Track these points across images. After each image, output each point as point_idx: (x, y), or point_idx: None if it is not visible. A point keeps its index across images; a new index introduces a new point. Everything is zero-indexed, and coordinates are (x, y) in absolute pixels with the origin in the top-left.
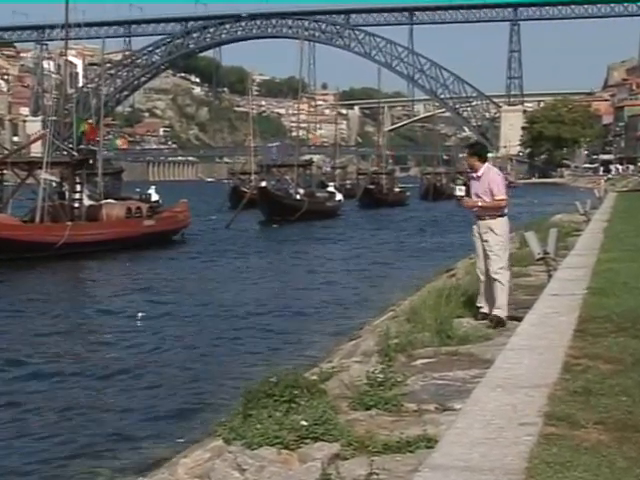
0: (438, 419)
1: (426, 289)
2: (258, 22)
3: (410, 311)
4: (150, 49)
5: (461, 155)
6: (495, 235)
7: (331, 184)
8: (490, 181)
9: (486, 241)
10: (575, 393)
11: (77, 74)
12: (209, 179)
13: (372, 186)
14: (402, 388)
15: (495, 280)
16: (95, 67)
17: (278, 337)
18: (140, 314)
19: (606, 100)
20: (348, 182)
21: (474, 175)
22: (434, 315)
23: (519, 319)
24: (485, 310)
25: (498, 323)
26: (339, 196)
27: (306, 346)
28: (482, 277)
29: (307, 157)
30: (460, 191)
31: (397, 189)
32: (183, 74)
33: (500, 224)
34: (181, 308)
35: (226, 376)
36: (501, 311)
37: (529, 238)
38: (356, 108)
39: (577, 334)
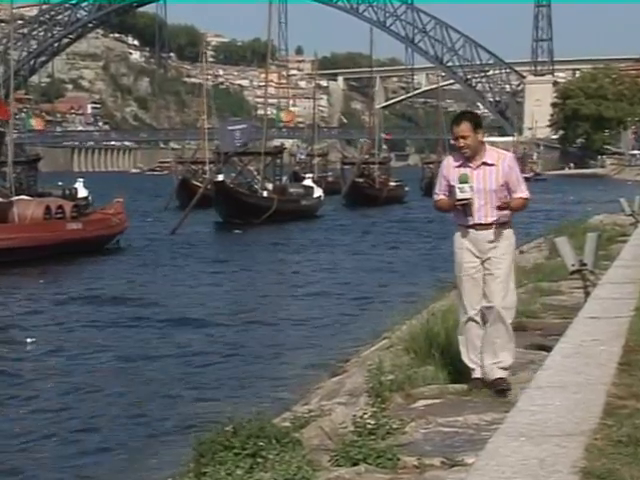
0: (444, 477)
1: (429, 310)
2: None
3: (409, 339)
4: (74, 2)
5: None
6: (505, 252)
7: (308, 176)
8: (507, 172)
9: (488, 260)
10: (620, 443)
11: None
12: (134, 170)
13: (361, 179)
14: (399, 437)
15: (500, 319)
16: (2, 25)
17: (240, 372)
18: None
19: None
20: (330, 174)
21: (469, 163)
22: (439, 344)
23: (548, 349)
24: (478, 373)
25: (503, 391)
26: (318, 192)
27: (275, 383)
28: (472, 316)
29: (277, 142)
30: (463, 192)
31: (393, 182)
32: (117, 35)
33: (511, 236)
34: (109, 335)
35: (173, 421)
36: (506, 372)
37: (561, 245)
38: (340, 79)
39: (622, 368)
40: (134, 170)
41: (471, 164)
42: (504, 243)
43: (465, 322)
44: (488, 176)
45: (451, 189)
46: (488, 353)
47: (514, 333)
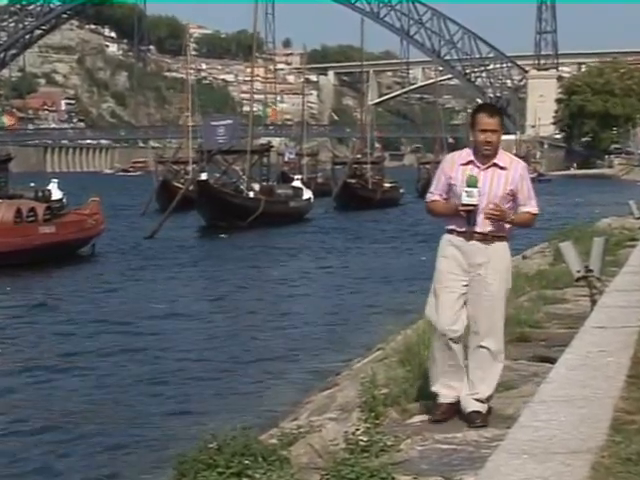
0: None
1: (425, 320)
2: None
3: (404, 350)
4: None
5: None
6: (497, 270)
7: (297, 177)
8: (518, 181)
9: (477, 277)
10: (629, 461)
11: None
12: (107, 170)
13: (353, 180)
14: (394, 455)
15: (483, 347)
16: None
17: (224, 385)
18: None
19: None
20: (320, 174)
21: (478, 163)
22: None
23: (552, 360)
24: (449, 399)
25: (479, 426)
26: (308, 193)
27: (262, 397)
28: (451, 338)
29: (264, 140)
30: (471, 197)
31: (387, 184)
32: (93, 26)
33: (507, 252)
34: (81, 347)
35: (152, 438)
36: (483, 405)
37: (566, 250)
38: (331, 74)
39: (631, 380)
40: (108, 170)
41: (480, 164)
42: (498, 260)
43: (437, 344)
44: (497, 180)
45: (450, 190)
46: (465, 383)
47: (502, 365)
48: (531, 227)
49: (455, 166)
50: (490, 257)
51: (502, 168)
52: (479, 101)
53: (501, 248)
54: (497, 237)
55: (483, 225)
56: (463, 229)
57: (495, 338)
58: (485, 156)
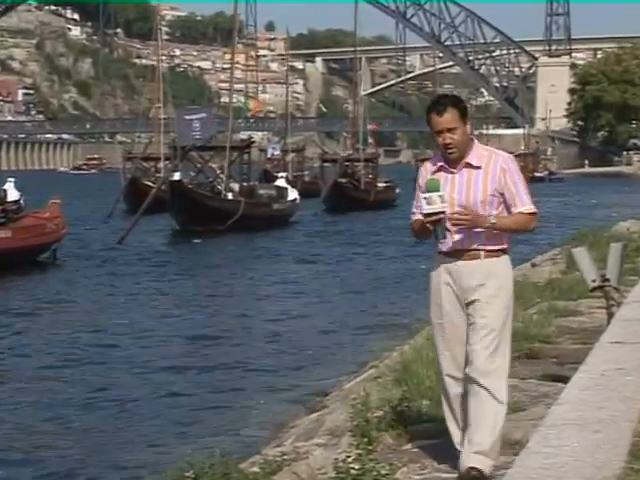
0: None
1: (424, 334)
2: None
3: (400, 368)
4: None
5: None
6: (494, 294)
7: (281, 176)
8: (499, 178)
9: (471, 304)
10: None
11: None
12: (62, 168)
13: (344, 179)
14: None
15: (481, 387)
16: None
17: (200, 407)
18: None
19: None
20: (307, 173)
21: (450, 166)
22: (436, 374)
23: (564, 380)
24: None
25: None
26: (293, 194)
27: (243, 420)
28: (454, 378)
29: (245, 135)
30: (431, 203)
31: (381, 183)
32: (54, 7)
33: (507, 269)
34: (38, 367)
35: (123, 466)
36: (485, 459)
37: (580, 257)
38: (318, 60)
39: None
40: (62, 168)
41: (452, 168)
42: (493, 281)
43: (442, 387)
44: (473, 183)
45: None
46: (465, 434)
47: (504, 410)
48: (530, 231)
49: (428, 177)
50: (485, 278)
51: (476, 167)
52: (484, 91)
53: (498, 265)
54: (491, 252)
55: (469, 241)
56: (447, 248)
57: (495, 375)
58: (453, 159)
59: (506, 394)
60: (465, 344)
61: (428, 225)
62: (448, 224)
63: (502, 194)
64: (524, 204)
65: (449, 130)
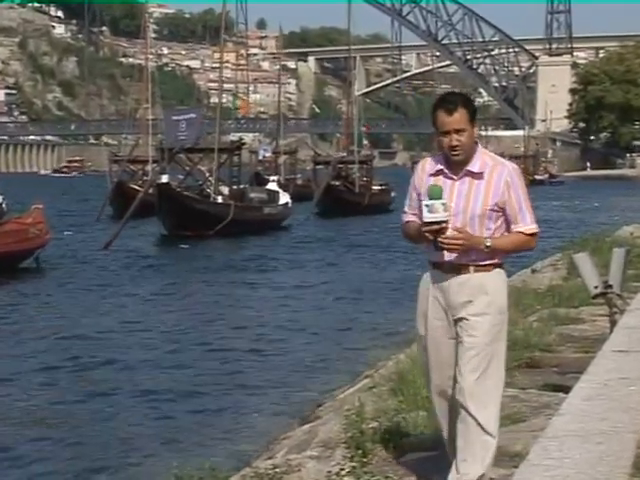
0: None
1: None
2: None
3: (396, 377)
4: None
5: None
6: (484, 311)
7: (273, 179)
8: (503, 191)
9: (460, 322)
10: None
11: None
12: (44, 171)
13: (337, 182)
14: None
15: (469, 414)
16: None
17: (188, 418)
18: None
19: None
20: (300, 176)
21: (451, 171)
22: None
23: (566, 389)
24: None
25: None
26: (285, 197)
27: (232, 432)
28: (442, 393)
29: (235, 136)
30: (433, 212)
31: (376, 186)
32: (37, 4)
33: (499, 283)
34: (19, 380)
35: (109, 476)
36: None
37: (581, 263)
38: (311, 60)
39: None
40: (44, 171)
41: (453, 174)
42: (482, 297)
43: (436, 410)
44: (473, 195)
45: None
46: (454, 462)
47: (495, 442)
48: (529, 250)
49: (425, 177)
50: (472, 294)
51: (478, 175)
52: (482, 91)
53: (488, 280)
54: (484, 266)
55: (460, 254)
56: (437, 258)
57: (484, 401)
58: (456, 163)
59: (496, 425)
60: (453, 361)
61: (427, 235)
62: (449, 232)
63: (503, 209)
64: (526, 224)
65: (457, 131)
